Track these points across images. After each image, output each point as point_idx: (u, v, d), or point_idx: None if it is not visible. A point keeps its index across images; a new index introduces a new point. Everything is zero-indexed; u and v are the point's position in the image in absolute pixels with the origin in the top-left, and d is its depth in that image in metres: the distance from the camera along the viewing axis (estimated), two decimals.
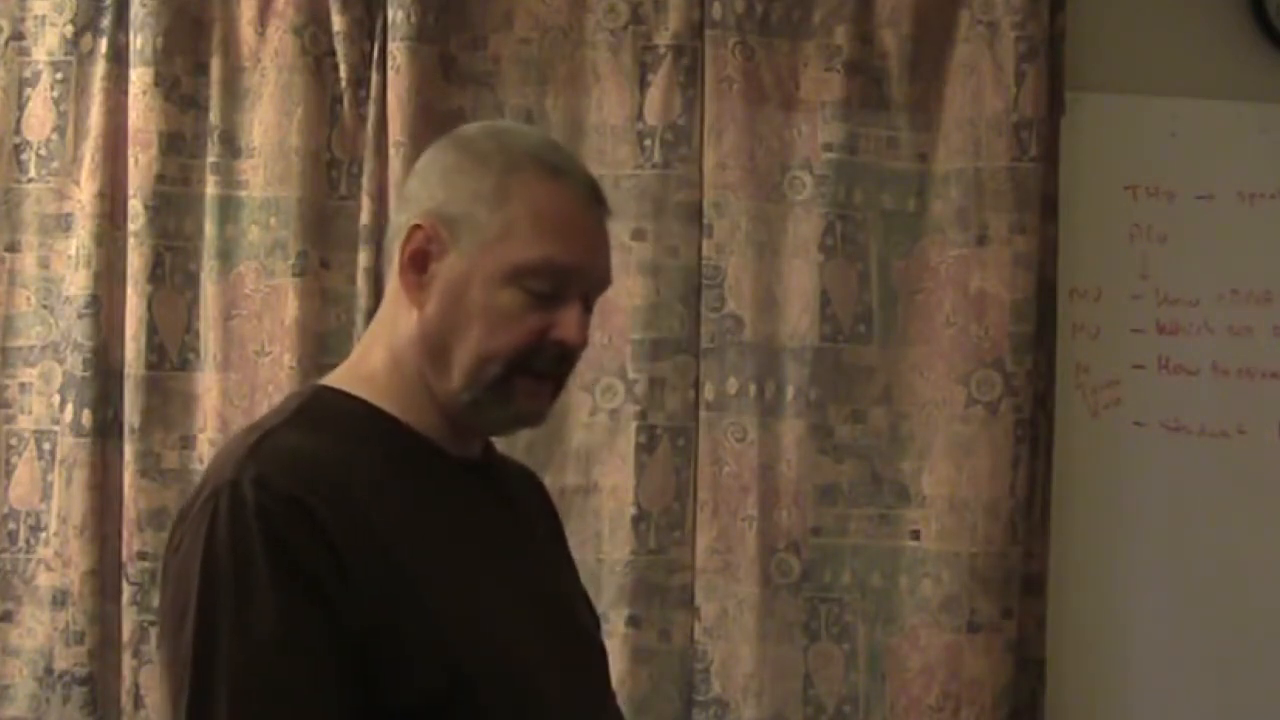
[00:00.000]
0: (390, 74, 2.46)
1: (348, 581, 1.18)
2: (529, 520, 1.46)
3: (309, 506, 1.19)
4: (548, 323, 1.29)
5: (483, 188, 1.30)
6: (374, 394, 1.32)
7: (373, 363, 1.34)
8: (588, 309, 1.33)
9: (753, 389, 2.48)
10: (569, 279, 1.30)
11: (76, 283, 2.48)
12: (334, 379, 1.37)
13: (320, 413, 1.31)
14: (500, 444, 1.49)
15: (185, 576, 1.20)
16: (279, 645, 1.16)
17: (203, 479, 1.28)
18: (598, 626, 1.50)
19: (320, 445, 1.26)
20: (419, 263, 1.30)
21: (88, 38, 2.52)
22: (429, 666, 1.20)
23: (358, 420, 1.31)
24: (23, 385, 2.53)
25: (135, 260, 2.48)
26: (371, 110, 2.48)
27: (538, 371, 1.31)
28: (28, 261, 2.53)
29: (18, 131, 2.54)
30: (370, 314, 2.45)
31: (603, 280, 1.35)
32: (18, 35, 2.54)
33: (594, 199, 1.34)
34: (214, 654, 1.17)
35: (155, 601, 2.46)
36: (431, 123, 2.47)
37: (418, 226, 1.30)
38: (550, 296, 1.29)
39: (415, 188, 1.35)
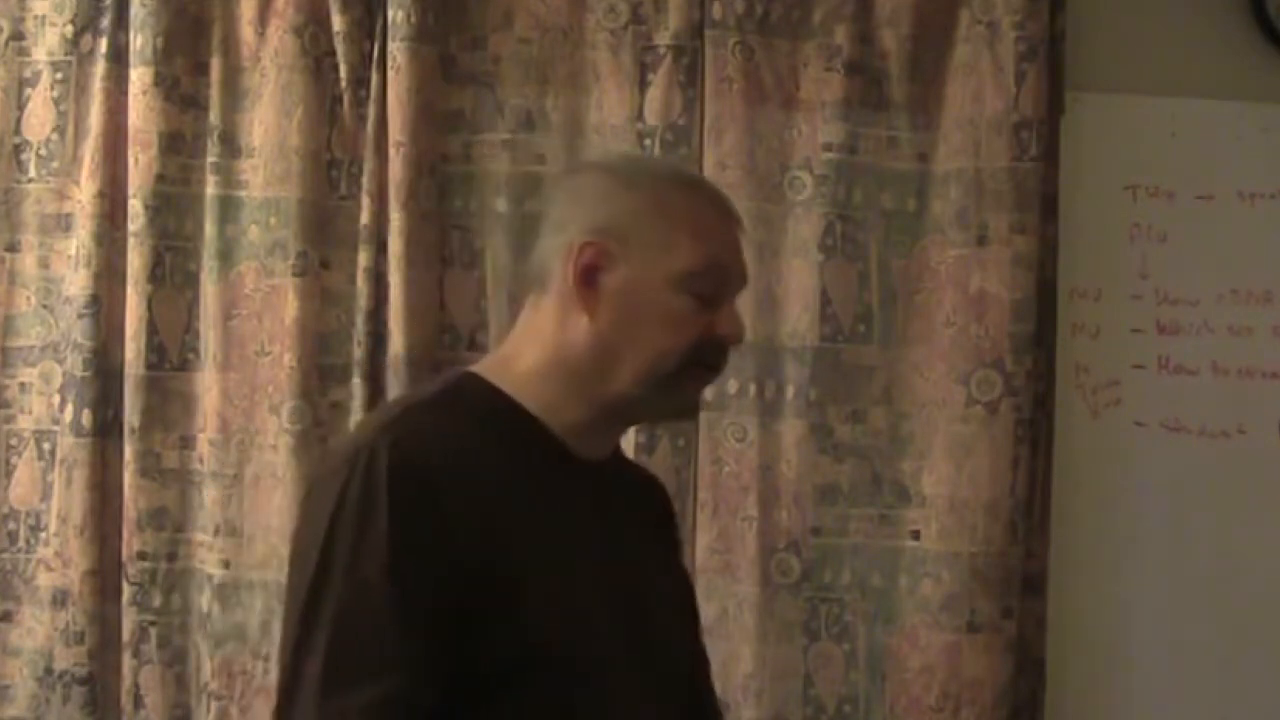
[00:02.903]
0: (390, 74, 2.46)
1: (453, 550, 1.31)
2: (638, 526, 1.54)
3: (433, 478, 1.32)
4: (711, 321, 1.44)
5: (643, 205, 1.44)
6: (516, 389, 1.43)
7: (525, 363, 1.45)
8: None
9: (753, 389, 2.48)
10: (727, 279, 1.46)
11: (76, 283, 2.48)
12: (483, 368, 1.48)
13: (460, 397, 1.44)
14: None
15: (316, 518, 1.34)
16: (383, 588, 1.28)
17: (347, 441, 1.48)
18: (692, 637, 1.59)
19: (452, 426, 1.39)
20: (590, 276, 1.42)
21: (88, 38, 2.52)
22: (509, 634, 1.32)
23: (493, 409, 1.43)
24: (23, 385, 2.53)
25: (135, 260, 2.48)
26: (371, 110, 2.48)
27: (706, 364, 1.46)
28: (28, 261, 2.54)
29: (18, 131, 2.54)
30: (370, 314, 2.46)
31: (745, 279, 1.50)
32: (18, 35, 2.54)
33: (730, 209, 1.50)
34: (326, 587, 1.30)
35: (156, 601, 2.47)
36: (431, 123, 2.47)
37: (589, 244, 1.41)
38: (711, 297, 1.44)
39: (567, 212, 1.46)
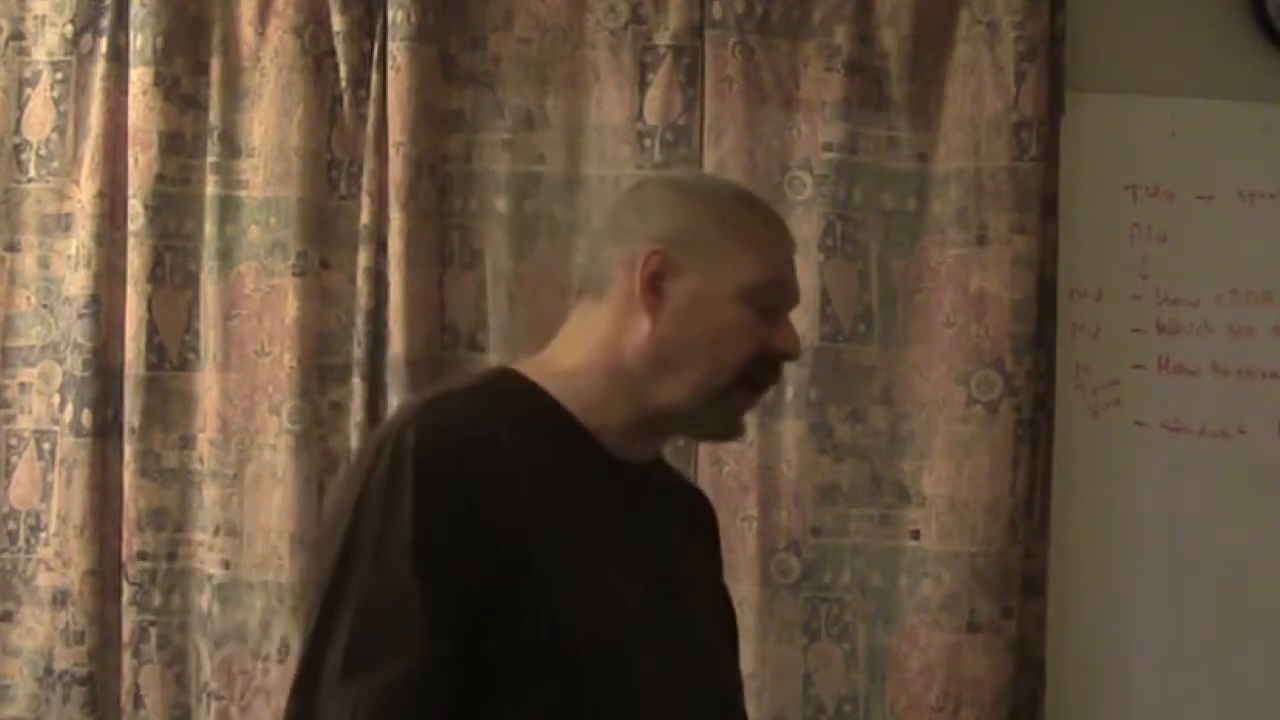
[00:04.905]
0: (390, 74, 2.46)
1: (480, 536, 1.30)
2: (679, 534, 1.53)
3: (461, 464, 1.32)
4: (769, 336, 1.46)
5: (709, 217, 1.46)
6: (555, 386, 1.43)
7: (566, 363, 1.45)
8: None
9: None
10: (785, 297, 1.49)
11: (76, 283, 2.48)
12: (521, 366, 1.48)
13: (497, 389, 1.43)
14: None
15: (344, 501, 1.35)
16: (407, 571, 1.28)
17: (381, 426, 1.48)
18: (733, 656, 1.57)
19: (485, 415, 1.38)
20: (655, 283, 1.42)
21: (88, 38, 2.52)
22: (536, 625, 1.31)
23: (530, 404, 1.42)
24: (23, 385, 2.53)
25: (135, 260, 2.48)
26: (371, 110, 2.48)
27: (755, 381, 1.47)
28: (28, 261, 2.54)
29: (18, 131, 2.54)
30: (370, 314, 2.46)
31: (798, 299, 1.53)
32: (18, 35, 2.54)
33: (787, 230, 1.54)
34: (351, 569, 1.30)
35: (156, 601, 2.47)
36: (431, 123, 2.47)
37: (656, 251, 1.42)
38: (769, 313, 1.46)
39: (630, 222, 1.47)
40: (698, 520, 1.61)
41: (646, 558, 1.43)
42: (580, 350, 1.45)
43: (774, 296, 1.47)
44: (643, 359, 1.43)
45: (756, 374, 1.46)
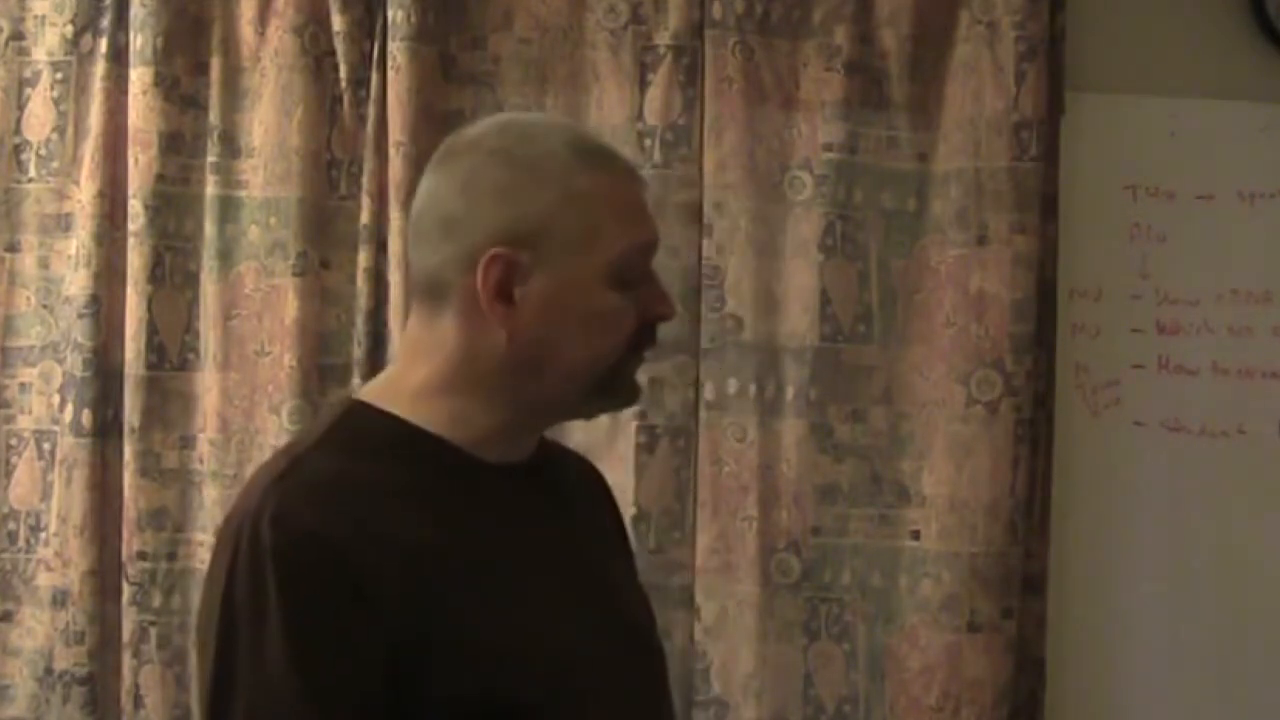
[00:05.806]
0: (390, 74, 2.46)
1: (370, 610, 1.18)
2: (581, 515, 1.44)
3: (328, 540, 1.19)
4: (644, 306, 1.31)
5: (554, 198, 1.27)
6: (411, 409, 1.30)
7: (416, 380, 1.31)
8: None
9: (753, 389, 2.48)
10: (650, 253, 1.33)
11: (76, 283, 2.48)
12: (370, 394, 1.35)
13: (351, 431, 1.30)
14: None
15: (209, 609, 1.22)
16: (291, 681, 1.16)
17: (238, 500, 1.28)
18: (653, 623, 1.48)
19: (348, 468, 1.25)
20: (503, 290, 1.26)
21: (88, 38, 2.52)
22: (461, 683, 1.20)
23: (391, 437, 1.29)
24: (23, 385, 2.53)
25: (135, 260, 2.48)
26: (371, 110, 2.48)
27: (639, 347, 1.33)
28: (28, 261, 2.53)
29: (18, 131, 2.54)
30: (370, 314, 2.46)
31: (658, 240, 1.36)
32: (18, 35, 2.54)
33: (633, 170, 1.35)
34: (231, 683, 1.18)
35: (156, 601, 2.47)
36: (432, 123, 2.47)
37: (498, 255, 1.25)
38: (638, 280, 1.31)
39: (461, 210, 1.28)
40: (595, 490, 1.51)
41: (558, 556, 1.34)
42: (430, 365, 1.30)
43: (642, 260, 1.31)
44: (507, 369, 1.28)
45: (640, 344, 1.33)
